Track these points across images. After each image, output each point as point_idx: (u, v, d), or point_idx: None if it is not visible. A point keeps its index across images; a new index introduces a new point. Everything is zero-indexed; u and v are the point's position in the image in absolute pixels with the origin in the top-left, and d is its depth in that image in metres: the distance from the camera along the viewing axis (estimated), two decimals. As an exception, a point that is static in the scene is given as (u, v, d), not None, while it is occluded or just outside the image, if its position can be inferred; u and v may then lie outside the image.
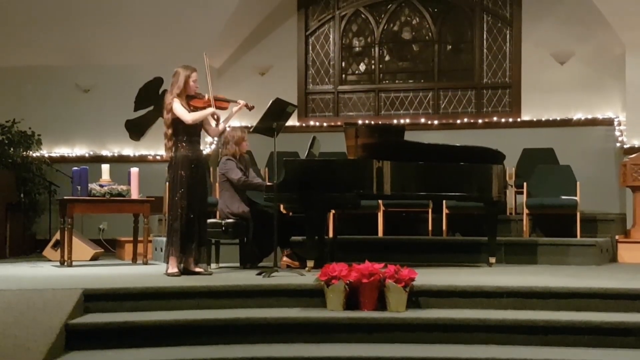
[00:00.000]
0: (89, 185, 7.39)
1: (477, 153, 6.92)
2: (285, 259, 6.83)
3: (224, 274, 6.26)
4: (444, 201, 8.16)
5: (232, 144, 6.87)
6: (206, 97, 6.22)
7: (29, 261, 8.12)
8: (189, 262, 6.14)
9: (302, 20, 10.65)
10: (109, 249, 9.21)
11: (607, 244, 7.77)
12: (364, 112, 10.53)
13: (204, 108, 6.24)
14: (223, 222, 6.74)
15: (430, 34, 10.45)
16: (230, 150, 6.87)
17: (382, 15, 10.57)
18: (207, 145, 10.00)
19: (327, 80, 10.66)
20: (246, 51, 10.61)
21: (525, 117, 9.91)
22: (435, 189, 6.74)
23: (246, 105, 6.44)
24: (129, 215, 7.80)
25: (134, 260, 7.69)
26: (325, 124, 10.39)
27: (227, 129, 6.65)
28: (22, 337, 4.34)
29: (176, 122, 6.09)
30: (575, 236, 7.88)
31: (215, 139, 9.69)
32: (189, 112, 6.11)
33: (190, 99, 6.18)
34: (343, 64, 10.67)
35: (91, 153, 10.28)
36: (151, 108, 10.00)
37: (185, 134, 6.11)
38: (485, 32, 10.26)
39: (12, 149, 9.69)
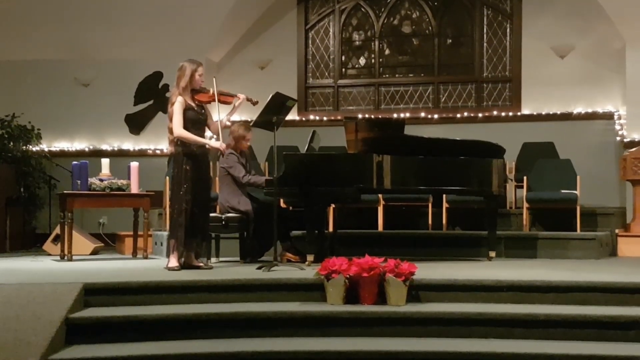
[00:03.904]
0: (89, 179, 7.39)
1: (477, 147, 6.92)
2: (285, 253, 6.82)
3: (224, 268, 6.27)
4: (444, 195, 8.16)
5: (232, 138, 6.86)
6: (211, 91, 6.22)
7: (29, 255, 8.12)
8: (191, 256, 6.15)
9: (302, 14, 10.63)
10: (109, 243, 9.22)
11: (607, 238, 7.78)
12: (364, 106, 10.52)
13: (209, 102, 6.27)
14: (223, 216, 6.74)
15: (430, 27, 10.43)
16: (231, 144, 6.86)
17: (382, 9, 10.56)
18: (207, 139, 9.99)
19: (327, 74, 10.65)
20: (246, 45, 10.59)
21: (525, 111, 9.91)
22: (435, 183, 6.73)
23: (250, 100, 6.45)
24: (129, 209, 7.80)
25: (134, 255, 7.69)
26: (325, 118, 10.37)
27: (227, 123, 6.64)
28: (23, 331, 4.35)
29: (182, 117, 6.08)
30: (575, 230, 7.88)
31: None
32: (195, 108, 6.12)
33: (196, 93, 6.20)
34: (343, 57, 10.66)
35: (91, 147, 10.27)
36: (151, 102, 10.01)
37: (189, 128, 6.10)
38: (485, 26, 10.24)
39: (11, 143, 9.69)
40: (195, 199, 6.11)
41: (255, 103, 6.52)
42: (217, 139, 6.25)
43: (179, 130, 6.04)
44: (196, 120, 6.15)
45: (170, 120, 6.10)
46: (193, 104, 6.15)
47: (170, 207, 6.28)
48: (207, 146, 6.24)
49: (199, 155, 6.17)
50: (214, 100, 6.20)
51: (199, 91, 6.22)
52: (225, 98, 6.32)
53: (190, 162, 6.11)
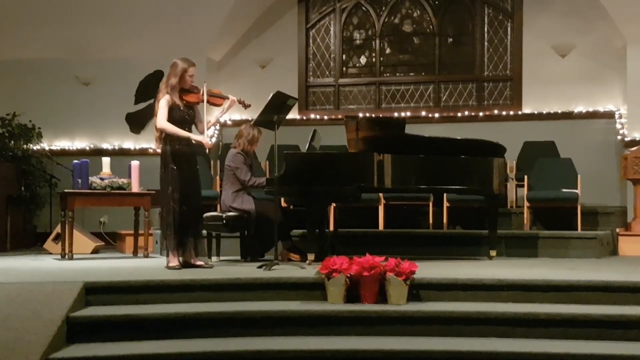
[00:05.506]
0: (90, 178, 7.39)
1: (478, 146, 6.92)
2: (286, 252, 6.81)
3: (225, 267, 6.27)
4: (444, 194, 8.16)
5: (245, 139, 6.82)
6: (200, 92, 6.18)
7: (30, 254, 8.13)
8: (188, 255, 6.13)
9: (303, 13, 10.63)
10: (109, 242, 9.22)
11: (607, 237, 7.77)
12: (364, 105, 10.52)
13: (197, 103, 6.23)
14: (224, 215, 6.73)
15: (431, 26, 10.43)
16: (241, 145, 6.84)
17: (383, 8, 10.55)
18: (210, 138, 9.99)
19: (327, 73, 10.64)
20: (246, 44, 10.59)
21: (526, 110, 9.91)
22: (436, 182, 6.73)
23: (241, 102, 6.41)
24: (129, 208, 7.80)
25: (135, 254, 7.69)
26: (326, 117, 10.37)
27: (228, 121, 6.63)
28: (23, 330, 4.35)
29: (167, 114, 6.06)
30: (576, 229, 7.88)
31: (216, 131, 9.71)
32: (181, 108, 6.08)
33: (184, 92, 6.14)
34: (344, 56, 10.66)
35: (92, 146, 10.28)
36: (151, 101, 9.97)
37: (176, 126, 6.07)
38: (486, 25, 10.24)
39: (12, 142, 9.70)
40: (184, 197, 6.07)
41: (247, 106, 6.48)
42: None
43: (162, 122, 5.99)
44: (182, 120, 6.10)
45: (157, 117, 6.07)
46: (180, 104, 6.10)
47: (160, 207, 6.25)
48: (192, 141, 6.19)
49: (186, 153, 6.13)
50: (202, 101, 6.17)
51: (188, 91, 6.17)
52: (214, 100, 6.28)
53: (176, 160, 6.07)
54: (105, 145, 10.24)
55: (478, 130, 8.91)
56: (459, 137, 7.13)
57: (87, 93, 10.32)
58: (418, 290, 5.09)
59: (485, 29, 10.24)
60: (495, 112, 9.98)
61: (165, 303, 5.03)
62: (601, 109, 9.61)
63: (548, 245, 7.35)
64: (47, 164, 10.00)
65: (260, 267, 5.84)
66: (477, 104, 10.20)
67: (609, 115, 9.54)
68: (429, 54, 10.44)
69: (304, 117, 10.42)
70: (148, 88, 9.90)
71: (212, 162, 9.11)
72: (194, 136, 6.18)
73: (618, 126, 9.37)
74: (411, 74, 10.51)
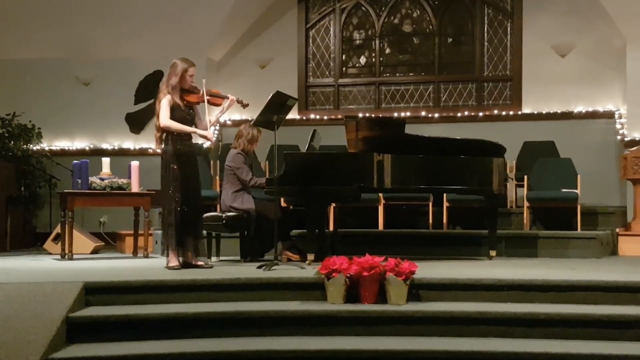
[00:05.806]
0: (90, 178, 7.39)
1: (478, 146, 6.92)
2: (285, 252, 6.81)
3: (225, 267, 6.27)
4: (444, 194, 8.16)
5: (245, 139, 6.83)
6: (200, 92, 6.19)
7: (30, 254, 8.13)
8: (188, 255, 6.14)
9: (303, 13, 10.63)
10: (109, 242, 9.22)
11: (607, 237, 7.77)
12: (364, 105, 10.52)
13: (197, 103, 6.25)
14: (223, 215, 6.73)
15: (430, 26, 10.43)
16: (241, 145, 6.85)
17: (383, 8, 10.55)
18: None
19: (327, 73, 10.64)
20: (246, 44, 10.59)
21: (526, 109, 9.90)
22: (436, 182, 6.73)
23: (240, 102, 6.41)
24: (129, 208, 7.80)
25: (135, 254, 7.70)
26: (325, 117, 10.37)
27: (228, 121, 6.63)
28: (23, 330, 4.35)
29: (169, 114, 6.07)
30: (576, 229, 7.88)
31: (216, 131, 9.70)
32: (182, 108, 6.09)
33: (185, 92, 6.15)
34: (343, 56, 10.66)
35: (91, 146, 10.28)
36: (151, 101, 9.98)
37: None
38: (486, 25, 10.24)
39: (12, 142, 9.69)
40: (185, 197, 6.07)
41: (245, 105, 6.49)
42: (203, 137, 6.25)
43: (165, 120, 6.00)
44: (183, 119, 6.10)
45: (158, 117, 6.07)
46: (181, 104, 6.11)
47: (161, 207, 6.26)
48: (192, 139, 6.20)
49: (186, 153, 6.14)
50: (203, 101, 6.19)
51: (188, 91, 6.18)
52: (214, 99, 6.29)
53: (177, 160, 6.08)
54: (105, 146, 10.24)
55: (478, 130, 8.91)
56: (458, 137, 7.13)
57: (87, 93, 10.32)
58: (418, 290, 5.09)
59: (485, 29, 10.23)
60: (495, 112, 9.98)
61: (165, 303, 5.03)
62: (601, 109, 9.61)
63: (548, 245, 7.35)
64: (47, 164, 10.00)
65: (260, 267, 5.84)
66: (476, 104, 10.20)
67: (609, 115, 9.54)
68: (429, 54, 10.44)
69: (304, 117, 10.41)
70: (148, 88, 9.91)
71: (212, 162, 9.11)
72: (199, 131, 6.21)
73: (618, 126, 9.37)
74: (411, 74, 10.51)
